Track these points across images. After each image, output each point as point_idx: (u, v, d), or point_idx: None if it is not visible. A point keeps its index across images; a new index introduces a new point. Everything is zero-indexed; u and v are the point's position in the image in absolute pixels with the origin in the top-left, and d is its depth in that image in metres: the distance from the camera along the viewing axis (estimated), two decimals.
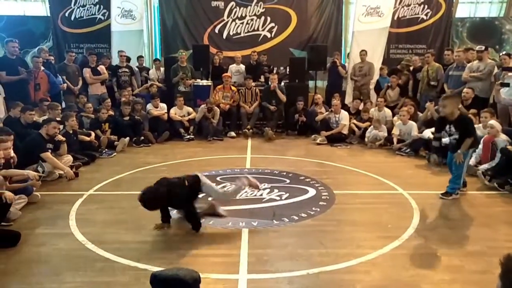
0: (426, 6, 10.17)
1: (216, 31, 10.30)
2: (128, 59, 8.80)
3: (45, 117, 5.84)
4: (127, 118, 7.33)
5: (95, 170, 5.65)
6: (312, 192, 4.66)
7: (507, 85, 6.04)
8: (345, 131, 7.53)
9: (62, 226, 3.74)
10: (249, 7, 10.21)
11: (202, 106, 7.95)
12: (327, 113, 7.76)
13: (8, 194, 3.56)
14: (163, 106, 7.92)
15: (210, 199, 4.07)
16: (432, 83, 7.54)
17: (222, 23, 10.29)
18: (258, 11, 10.24)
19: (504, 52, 7.93)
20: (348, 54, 9.72)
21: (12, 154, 4.35)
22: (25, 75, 6.63)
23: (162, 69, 8.95)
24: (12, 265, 3.05)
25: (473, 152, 4.73)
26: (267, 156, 6.44)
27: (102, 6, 9.92)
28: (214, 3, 10.21)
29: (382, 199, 4.50)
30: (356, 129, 7.51)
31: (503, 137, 5.19)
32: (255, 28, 10.32)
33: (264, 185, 4.84)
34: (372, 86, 8.75)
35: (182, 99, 8.00)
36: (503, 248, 3.10)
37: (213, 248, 3.36)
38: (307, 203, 4.33)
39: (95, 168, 5.81)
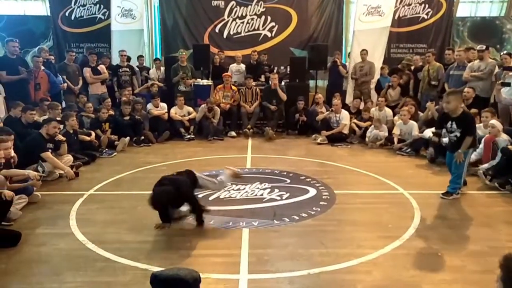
0: (427, 6, 10.17)
1: (217, 30, 10.31)
2: (129, 59, 8.80)
3: (46, 117, 5.84)
4: (127, 117, 7.33)
5: (96, 170, 5.65)
6: (312, 192, 4.66)
7: (508, 84, 6.04)
8: (346, 131, 7.52)
9: (63, 226, 3.74)
10: (249, 6, 10.21)
11: (203, 105, 7.94)
12: (327, 112, 7.75)
13: (8, 192, 3.56)
14: (164, 105, 7.92)
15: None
16: (433, 82, 7.52)
17: (223, 22, 10.29)
18: (259, 10, 10.24)
19: (505, 52, 7.93)
20: (349, 53, 9.72)
21: (13, 154, 4.35)
22: (25, 74, 6.63)
23: (162, 68, 8.95)
24: (13, 265, 3.05)
25: (473, 151, 4.72)
26: (268, 156, 6.44)
27: (102, 6, 9.93)
28: (214, 3, 10.22)
29: (382, 199, 4.49)
30: (356, 128, 7.51)
31: (504, 136, 5.18)
32: (256, 28, 10.32)
33: (264, 184, 4.84)
34: (372, 86, 8.75)
35: (183, 99, 8.00)
36: (504, 248, 3.10)
37: (213, 248, 3.35)
38: (307, 203, 4.33)
39: (95, 168, 5.81)
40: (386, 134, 7.05)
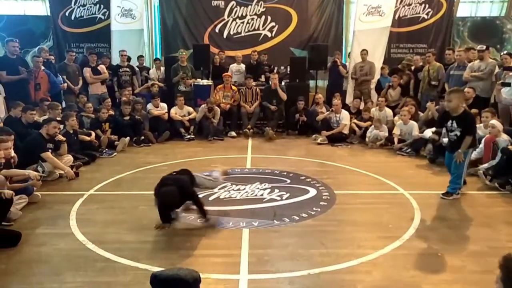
0: (427, 6, 10.17)
1: (217, 30, 10.30)
2: (129, 59, 8.80)
3: (46, 117, 5.84)
4: (127, 117, 7.33)
5: (96, 170, 5.65)
6: (312, 192, 4.66)
7: (508, 84, 6.04)
8: (346, 131, 7.52)
9: (63, 226, 3.74)
10: (249, 6, 10.21)
11: (203, 105, 7.94)
12: (327, 112, 7.75)
13: (7, 191, 3.56)
14: (164, 105, 7.92)
15: None
16: (433, 82, 7.52)
17: (223, 22, 10.29)
18: (259, 10, 10.23)
19: (505, 52, 7.93)
20: (349, 53, 9.71)
21: (13, 154, 4.35)
22: (25, 74, 6.62)
23: (162, 68, 8.95)
24: (13, 265, 3.05)
25: (472, 151, 4.71)
26: (268, 156, 6.44)
27: (102, 6, 9.92)
28: (214, 3, 10.22)
29: (383, 199, 4.49)
30: (357, 128, 7.50)
31: (504, 137, 5.18)
32: (256, 28, 10.32)
33: (264, 185, 4.84)
34: (373, 86, 8.75)
35: (183, 99, 8.00)
36: (504, 248, 3.10)
37: (213, 248, 3.35)
38: (307, 203, 4.33)
39: (95, 168, 5.81)
40: (386, 134, 7.05)
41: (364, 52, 8.65)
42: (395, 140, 6.77)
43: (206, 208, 3.79)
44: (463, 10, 10.69)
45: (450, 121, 4.36)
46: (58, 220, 3.89)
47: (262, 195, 4.54)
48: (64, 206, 4.20)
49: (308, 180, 5.10)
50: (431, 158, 5.94)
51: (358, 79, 8.73)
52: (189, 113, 8.00)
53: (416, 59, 8.51)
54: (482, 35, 10.06)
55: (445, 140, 4.88)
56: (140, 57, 9.15)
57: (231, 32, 10.33)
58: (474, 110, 6.00)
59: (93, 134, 6.51)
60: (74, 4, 9.93)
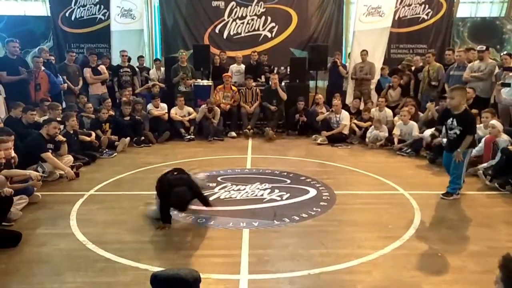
0: (427, 6, 10.17)
1: (217, 31, 10.31)
2: (129, 59, 8.79)
3: (46, 117, 5.84)
4: (127, 118, 7.33)
5: (96, 170, 5.65)
6: (312, 192, 4.66)
7: (508, 85, 6.05)
8: (346, 131, 7.52)
9: (63, 226, 3.74)
10: (249, 7, 10.21)
11: (203, 106, 7.95)
12: (327, 113, 7.75)
13: (7, 189, 3.56)
14: (164, 106, 7.92)
15: None
16: (433, 83, 7.53)
17: (223, 23, 10.30)
18: (259, 11, 10.24)
19: (505, 52, 7.93)
20: (349, 54, 9.72)
21: (13, 154, 4.35)
22: (25, 75, 6.63)
23: (162, 69, 8.95)
24: (13, 265, 3.05)
25: (472, 151, 4.71)
26: (268, 156, 6.44)
27: (102, 6, 9.92)
28: (214, 3, 10.22)
29: (383, 199, 4.49)
30: (357, 129, 7.51)
31: (504, 137, 5.19)
32: (256, 28, 10.32)
33: (265, 185, 4.85)
34: (373, 86, 8.75)
35: (183, 99, 8.00)
36: (504, 248, 3.08)
37: (214, 249, 3.36)
38: (308, 203, 4.33)
39: (95, 168, 5.81)
40: (386, 134, 7.05)
41: (364, 53, 8.66)
42: (395, 140, 6.77)
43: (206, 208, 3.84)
44: (463, 11, 10.70)
45: (451, 119, 4.35)
46: (59, 220, 3.89)
47: (262, 195, 4.54)
48: (65, 206, 4.20)
49: (308, 180, 5.11)
50: (431, 158, 5.95)
51: (358, 78, 8.73)
52: (189, 114, 8.00)
53: (416, 59, 8.52)
54: (482, 35, 10.07)
55: (445, 140, 4.88)
56: (140, 58, 9.15)
57: (231, 33, 10.33)
58: (474, 111, 5.99)
59: (93, 134, 6.51)
60: (74, 5, 9.94)
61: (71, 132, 5.94)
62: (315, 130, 7.81)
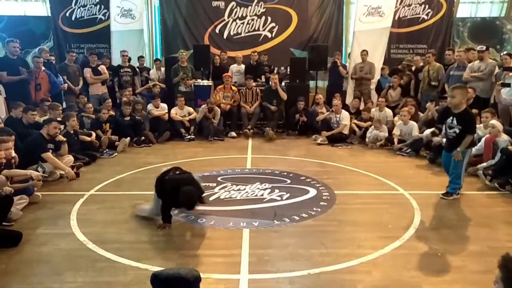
0: (427, 6, 10.17)
1: (217, 31, 10.31)
2: (129, 59, 8.79)
3: (46, 117, 5.84)
4: (127, 118, 7.33)
5: (96, 170, 5.65)
6: (313, 192, 4.66)
7: (508, 85, 6.06)
8: (346, 131, 7.52)
9: (63, 226, 3.75)
10: (249, 7, 10.21)
11: (203, 106, 7.95)
12: (327, 113, 7.75)
13: (7, 188, 3.57)
14: (164, 106, 7.92)
15: None
16: (433, 83, 7.53)
17: (223, 23, 10.30)
18: (259, 11, 10.24)
19: (505, 52, 7.93)
20: (349, 54, 9.72)
21: (13, 154, 4.36)
22: (26, 75, 6.63)
23: (162, 69, 8.95)
24: (13, 265, 3.05)
25: (471, 151, 4.72)
26: (268, 156, 6.44)
27: (102, 6, 9.92)
28: (214, 3, 10.22)
29: (383, 199, 4.50)
30: (357, 129, 7.51)
31: (504, 137, 5.19)
32: (256, 28, 10.32)
33: (265, 185, 4.85)
34: (373, 86, 8.75)
35: (183, 99, 8.00)
36: (504, 248, 3.07)
37: (214, 248, 3.36)
38: (308, 203, 4.33)
39: (96, 168, 5.81)
40: (386, 134, 7.06)
41: (364, 53, 8.66)
42: (395, 140, 6.77)
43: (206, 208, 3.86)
44: (463, 11, 10.70)
45: (451, 118, 4.35)
46: (59, 220, 3.89)
47: (262, 195, 4.55)
48: (65, 206, 4.21)
49: (308, 180, 5.11)
50: (431, 158, 5.95)
51: (358, 78, 8.73)
52: (190, 114, 8.00)
53: (416, 59, 8.51)
54: (482, 35, 10.07)
55: (445, 140, 4.88)
56: (140, 58, 9.15)
57: (231, 33, 10.33)
58: (474, 111, 5.98)
59: (94, 134, 6.51)
60: (75, 5, 9.94)
61: (72, 132, 5.94)
62: (315, 130, 7.81)
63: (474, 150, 5.02)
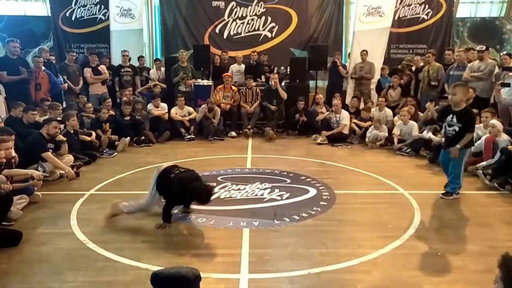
0: (427, 6, 10.18)
1: (217, 31, 10.32)
2: (129, 59, 8.80)
3: (46, 117, 5.84)
4: (127, 118, 7.33)
5: (96, 170, 5.65)
6: (313, 192, 4.66)
7: (508, 85, 6.06)
8: (346, 131, 7.53)
9: (63, 226, 3.75)
10: (249, 7, 10.22)
11: (203, 106, 7.95)
12: (327, 113, 7.76)
13: (5, 185, 3.57)
14: (164, 106, 7.92)
15: None
16: (433, 83, 7.53)
17: (223, 23, 10.30)
18: (259, 11, 10.25)
19: (504, 52, 7.94)
20: (349, 54, 9.72)
21: (14, 154, 4.36)
22: (26, 75, 6.63)
23: (162, 69, 8.95)
24: (14, 265, 3.05)
25: (470, 151, 4.72)
26: (268, 156, 6.44)
27: (102, 6, 9.92)
28: (214, 3, 10.23)
29: (383, 199, 4.50)
30: (357, 128, 7.51)
31: (504, 137, 5.19)
32: (256, 28, 10.33)
33: (265, 185, 4.85)
34: (373, 86, 8.76)
35: (183, 99, 8.00)
36: (504, 248, 3.06)
37: (214, 248, 3.36)
38: (308, 203, 4.34)
39: (96, 168, 5.81)
40: (386, 134, 7.06)
41: (364, 53, 8.66)
42: (395, 140, 6.78)
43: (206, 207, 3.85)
44: (462, 11, 10.71)
45: (451, 115, 4.36)
46: (59, 219, 3.89)
47: (262, 195, 4.55)
48: (65, 206, 4.21)
49: (308, 180, 5.11)
50: (431, 158, 5.95)
51: (358, 78, 8.74)
52: (190, 113, 8.01)
53: (417, 59, 8.51)
54: (482, 35, 10.08)
55: (442, 139, 4.89)
56: (140, 58, 9.15)
57: (231, 33, 10.34)
58: (474, 110, 6.00)
59: (94, 134, 6.51)
60: (75, 5, 9.94)
61: (72, 131, 5.94)
62: (315, 130, 7.81)
63: (472, 148, 5.01)
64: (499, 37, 10.31)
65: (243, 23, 10.29)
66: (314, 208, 4.15)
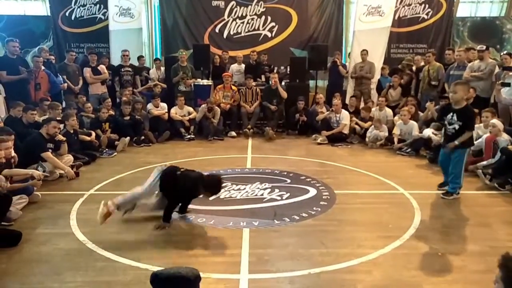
0: (427, 6, 10.19)
1: (217, 30, 10.31)
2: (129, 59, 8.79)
3: (46, 117, 5.84)
4: (127, 117, 7.32)
5: (96, 170, 5.65)
6: (313, 192, 4.66)
7: (508, 84, 6.05)
8: (346, 131, 7.52)
9: (63, 226, 3.74)
10: (249, 6, 10.22)
11: (203, 105, 7.94)
12: (327, 112, 7.75)
13: (2, 183, 3.57)
14: (164, 105, 7.91)
15: None
16: (433, 82, 7.52)
17: (223, 22, 10.30)
18: (259, 10, 10.24)
19: (505, 52, 7.92)
20: (349, 53, 9.72)
21: (13, 153, 4.35)
22: (25, 74, 6.62)
23: (162, 68, 8.94)
24: (13, 265, 3.05)
25: (469, 151, 4.71)
26: (268, 156, 6.44)
27: (102, 6, 9.91)
28: (214, 3, 10.23)
29: (383, 199, 4.50)
30: (357, 127, 7.50)
31: (505, 136, 5.19)
32: (256, 28, 10.33)
33: (265, 184, 4.85)
34: (373, 86, 8.75)
35: (183, 99, 8.00)
36: (504, 248, 3.06)
37: (214, 248, 3.36)
38: (308, 203, 4.33)
39: (95, 167, 5.81)
40: (386, 134, 7.06)
41: (364, 52, 8.66)
42: (395, 140, 6.77)
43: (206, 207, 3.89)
44: (463, 10, 10.70)
45: (451, 114, 4.36)
46: (59, 219, 3.89)
47: (262, 194, 4.54)
48: (65, 206, 4.20)
49: (308, 180, 5.10)
50: (431, 157, 5.94)
51: (358, 78, 8.73)
52: (189, 113, 8.00)
53: (417, 59, 8.50)
54: (482, 35, 10.07)
55: (442, 139, 4.88)
56: (140, 58, 9.14)
57: (231, 32, 10.33)
58: (474, 110, 6.01)
59: (93, 134, 6.51)
60: (74, 4, 9.94)
61: (71, 131, 5.93)
62: (315, 129, 7.81)
63: (472, 147, 5.01)
64: (499, 37, 10.31)
65: (243, 22, 10.29)
66: (314, 208, 4.14)
